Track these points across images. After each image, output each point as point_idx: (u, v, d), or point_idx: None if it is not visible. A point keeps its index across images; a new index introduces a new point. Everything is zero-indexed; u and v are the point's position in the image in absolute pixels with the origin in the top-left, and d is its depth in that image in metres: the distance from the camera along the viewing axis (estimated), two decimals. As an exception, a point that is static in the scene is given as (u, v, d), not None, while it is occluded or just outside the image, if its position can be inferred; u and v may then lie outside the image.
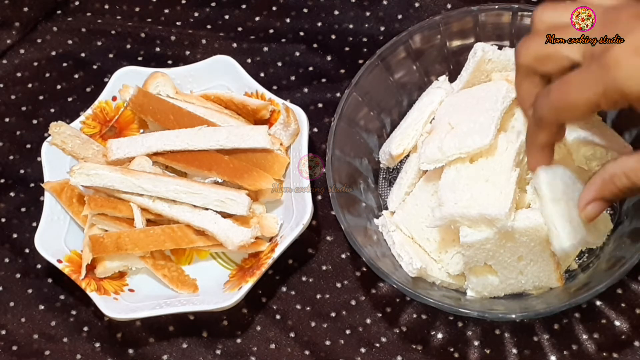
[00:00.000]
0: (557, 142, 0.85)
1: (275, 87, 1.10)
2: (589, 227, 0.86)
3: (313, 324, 0.99)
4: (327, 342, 0.98)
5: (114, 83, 1.07)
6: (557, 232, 0.85)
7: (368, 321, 0.98)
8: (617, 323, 0.95)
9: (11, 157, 1.10)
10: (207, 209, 0.98)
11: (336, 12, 1.13)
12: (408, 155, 1.00)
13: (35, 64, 1.15)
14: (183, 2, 1.16)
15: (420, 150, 0.96)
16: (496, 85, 0.94)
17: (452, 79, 1.00)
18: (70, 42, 1.16)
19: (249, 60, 1.12)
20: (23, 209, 1.07)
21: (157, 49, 1.14)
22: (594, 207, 0.84)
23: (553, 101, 0.81)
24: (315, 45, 1.12)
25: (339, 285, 1.00)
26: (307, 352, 0.98)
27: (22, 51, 1.15)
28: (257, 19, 1.14)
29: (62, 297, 1.02)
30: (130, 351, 0.99)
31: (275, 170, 1.00)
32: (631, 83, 0.76)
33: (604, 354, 0.94)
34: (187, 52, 1.13)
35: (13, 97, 1.14)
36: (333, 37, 1.12)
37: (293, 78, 1.11)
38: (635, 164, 0.81)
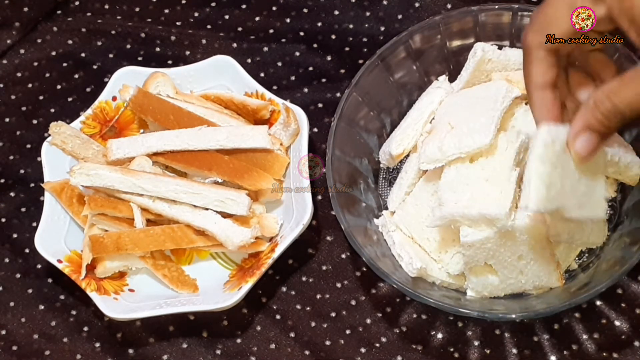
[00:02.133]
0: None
1: (275, 87, 1.10)
2: (569, 204, 0.83)
3: (313, 324, 0.99)
4: (327, 342, 0.98)
5: (114, 83, 1.07)
6: (528, 190, 0.81)
7: (368, 321, 0.98)
8: (617, 323, 0.95)
9: (11, 157, 1.10)
10: (207, 209, 0.98)
11: (336, 12, 1.13)
12: (408, 155, 1.00)
13: (35, 64, 1.15)
14: (183, 2, 1.16)
15: (420, 150, 0.96)
16: (496, 85, 0.94)
17: (452, 79, 1.00)
18: (70, 42, 1.16)
19: (249, 60, 1.12)
20: (23, 209, 1.07)
21: (157, 49, 1.14)
22: (583, 140, 0.79)
23: (535, 22, 0.78)
24: (315, 45, 1.12)
25: (339, 285, 1.00)
26: (307, 352, 0.98)
27: (22, 51, 1.15)
28: (257, 19, 1.14)
29: (62, 297, 1.02)
30: (130, 351, 0.99)
31: (275, 170, 1.00)
32: None
33: (604, 354, 0.94)
34: (187, 52, 1.13)
35: (13, 97, 1.14)
36: (333, 37, 1.12)
37: (293, 78, 1.11)
38: (616, 85, 0.77)
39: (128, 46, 1.15)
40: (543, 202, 0.81)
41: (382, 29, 1.12)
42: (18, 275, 1.04)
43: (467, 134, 0.91)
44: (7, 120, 1.12)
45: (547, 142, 0.81)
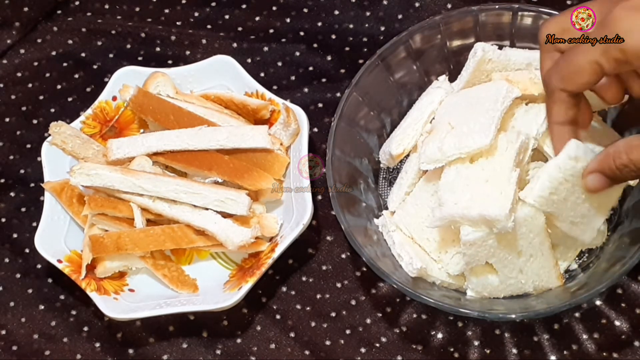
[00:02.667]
0: (583, 124, 0.87)
1: (275, 87, 1.10)
2: (563, 216, 0.89)
3: (313, 324, 0.99)
4: (327, 342, 0.98)
5: (114, 83, 1.07)
6: (533, 185, 0.87)
7: (368, 321, 0.98)
8: (617, 323, 0.95)
9: (11, 157, 1.10)
10: (207, 209, 0.98)
11: (336, 12, 1.13)
12: (408, 155, 1.00)
13: (36, 64, 1.15)
14: (183, 2, 1.16)
15: (420, 150, 0.96)
16: (496, 85, 0.94)
17: (452, 79, 1.00)
18: (70, 42, 1.16)
19: (249, 60, 1.12)
20: (23, 209, 1.07)
21: (157, 49, 1.14)
22: (593, 178, 0.85)
23: (559, 69, 0.82)
24: (315, 45, 1.12)
25: (339, 285, 1.00)
26: (307, 352, 0.98)
27: (22, 51, 1.15)
28: (257, 19, 1.14)
29: (62, 297, 1.02)
30: (130, 351, 0.99)
31: (275, 170, 1.00)
32: (628, 38, 0.77)
33: (604, 354, 0.94)
34: (187, 52, 1.13)
35: (13, 97, 1.14)
36: (333, 37, 1.12)
37: (293, 78, 1.11)
38: (636, 143, 0.81)
39: (128, 46, 1.15)
40: (540, 201, 0.87)
41: (382, 29, 1.12)
42: (18, 275, 1.04)
43: (467, 134, 0.91)
44: (7, 120, 1.12)
45: (571, 156, 0.86)
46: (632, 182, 0.93)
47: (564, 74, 0.82)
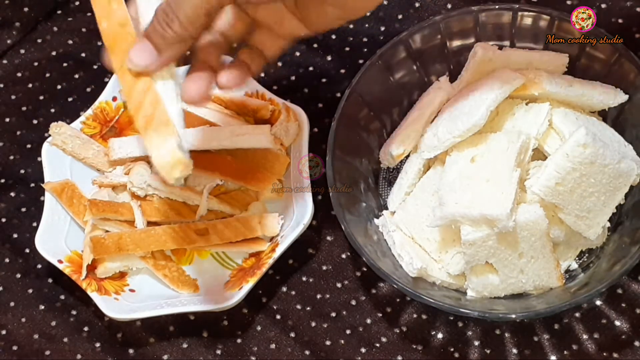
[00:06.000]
0: None
1: (275, 87, 1.10)
2: (568, 208, 0.89)
3: (313, 324, 0.99)
4: (327, 342, 0.98)
5: (115, 83, 1.06)
6: (540, 174, 0.88)
7: (368, 321, 0.98)
8: (617, 323, 0.95)
9: (11, 157, 1.10)
10: None
11: (336, 12, 1.13)
12: (408, 156, 1.00)
13: (36, 64, 1.15)
14: (183, 2, 1.16)
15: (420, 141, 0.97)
16: (498, 73, 0.94)
17: (452, 79, 1.00)
18: (70, 42, 1.16)
19: (249, 60, 1.12)
20: (23, 209, 1.07)
21: (157, 49, 1.14)
22: (137, 52, 0.81)
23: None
24: (315, 45, 1.12)
25: (339, 285, 1.00)
26: (307, 352, 0.98)
27: (22, 51, 1.15)
28: (257, 19, 1.14)
29: (62, 297, 1.02)
30: (131, 351, 0.99)
31: (276, 170, 1.00)
32: None
33: (604, 354, 0.94)
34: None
35: (13, 97, 1.14)
36: (333, 37, 1.12)
37: (293, 78, 1.11)
38: None
39: (128, 46, 1.15)
40: (545, 190, 0.88)
41: (382, 29, 1.12)
42: (18, 275, 1.04)
43: (458, 117, 0.92)
44: (7, 120, 1.12)
45: (579, 143, 0.86)
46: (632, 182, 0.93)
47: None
